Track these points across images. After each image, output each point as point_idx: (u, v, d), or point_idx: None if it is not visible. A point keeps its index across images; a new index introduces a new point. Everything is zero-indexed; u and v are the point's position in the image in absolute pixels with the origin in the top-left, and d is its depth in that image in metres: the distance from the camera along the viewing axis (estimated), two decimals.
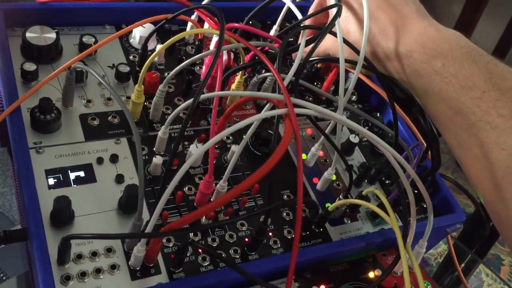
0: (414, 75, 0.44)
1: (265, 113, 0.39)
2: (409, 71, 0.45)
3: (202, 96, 0.42)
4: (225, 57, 0.54)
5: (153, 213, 0.37)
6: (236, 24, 0.53)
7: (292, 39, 0.48)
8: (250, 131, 0.41)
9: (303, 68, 0.56)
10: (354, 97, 0.64)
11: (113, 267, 0.41)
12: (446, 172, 1.50)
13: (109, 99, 0.51)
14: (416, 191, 0.47)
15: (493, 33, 1.84)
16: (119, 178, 0.46)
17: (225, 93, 0.47)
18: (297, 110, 0.39)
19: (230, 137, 0.53)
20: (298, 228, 0.37)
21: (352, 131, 0.57)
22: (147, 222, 0.38)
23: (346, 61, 0.48)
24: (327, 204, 0.50)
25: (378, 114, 0.62)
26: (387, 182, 0.56)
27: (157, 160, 0.47)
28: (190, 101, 0.41)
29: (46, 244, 0.40)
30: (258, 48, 0.48)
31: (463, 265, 0.87)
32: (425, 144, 0.52)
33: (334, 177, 0.54)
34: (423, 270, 0.50)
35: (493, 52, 1.89)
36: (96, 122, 0.49)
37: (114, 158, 0.48)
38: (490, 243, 0.86)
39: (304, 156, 0.55)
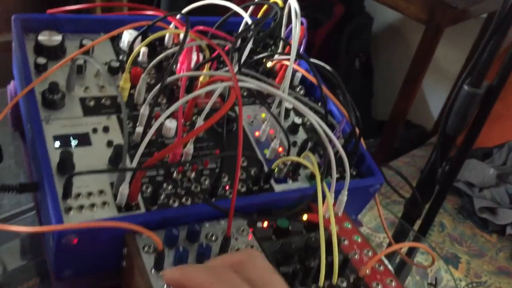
0: None
1: (216, 85, 0.54)
2: None
3: (169, 79, 0.56)
4: (195, 57, 0.70)
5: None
6: (200, 27, 0.68)
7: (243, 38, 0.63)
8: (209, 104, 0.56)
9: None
10: (302, 91, 0.79)
11: (104, 203, 0.55)
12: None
13: (102, 86, 0.66)
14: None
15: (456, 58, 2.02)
16: (110, 143, 0.60)
17: (187, 74, 0.62)
18: (241, 84, 0.54)
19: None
20: (238, 171, 0.51)
21: (297, 113, 0.72)
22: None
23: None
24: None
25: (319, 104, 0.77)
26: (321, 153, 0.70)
27: (139, 129, 0.61)
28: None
29: (55, 186, 0.54)
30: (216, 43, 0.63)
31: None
32: (347, 119, 0.66)
33: (281, 149, 0.68)
34: (345, 213, 0.63)
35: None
36: (92, 103, 0.64)
37: (106, 129, 0.62)
38: (428, 224, 0.99)
39: (257, 133, 0.69)
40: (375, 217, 1.60)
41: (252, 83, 0.54)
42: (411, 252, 0.96)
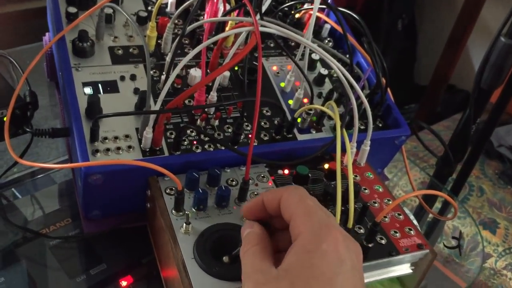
0: None
1: (236, 29, 0.54)
2: None
3: (192, 26, 0.57)
4: (221, 7, 0.70)
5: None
6: None
7: None
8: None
9: None
10: (330, 44, 0.78)
11: (129, 147, 0.57)
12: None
13: (131, 36, 0.67)
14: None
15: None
16: (136, 90, 0.62)
17: (208, 20, 0.62)
18: (262, 29, 0.53)
19: None
20: (256, 116, 0.51)
21: (324, 64, 0.71)
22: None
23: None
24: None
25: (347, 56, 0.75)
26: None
27: (163, 77, 0.62)
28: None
29: (83, 128, 0.56)
30: None
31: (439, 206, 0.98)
32: (372, 68, 0.65)
33: (305, 100, 0.68)
34: (368, 164, 0.63)
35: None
36: (120, 52, 0.65)
37: (133, 77, 0.63)
38: (461, 184, 0.97)
39: (282, 84, 0.69)
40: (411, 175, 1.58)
41: (273, 28, 0.54)
42: (443, 211, 0.95)
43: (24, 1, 1.12)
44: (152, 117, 0.55)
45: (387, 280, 0.58)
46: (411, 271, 0.56)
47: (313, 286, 0.38)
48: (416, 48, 2.27)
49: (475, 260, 1.38)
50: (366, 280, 0.53)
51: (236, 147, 0.61)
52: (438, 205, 1.02)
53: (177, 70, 0.54)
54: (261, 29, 0.54)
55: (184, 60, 0.54)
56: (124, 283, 0.58)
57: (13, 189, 0.74)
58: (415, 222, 0.74)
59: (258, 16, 0.56)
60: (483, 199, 1.50)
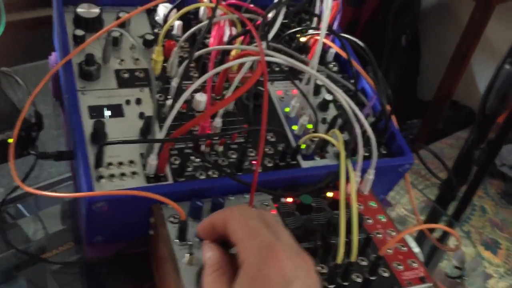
0: None
1: (245, 59, 0.54)
2: None
3: (199, 52, 0.57)
4: (228, 31, 0.70)
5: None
6: (233, 1, 0.68)
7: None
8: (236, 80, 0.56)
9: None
10: (335, 68, 0.78)
11: (134, 173, 0.57)
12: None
13: (137, 59, 0.67)
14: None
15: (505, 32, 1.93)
16: (141, 115, 0.62)
17: (215, 48, 0.62)
18: (268, 58, 0.54)
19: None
20: (261, 146, 0.51)
21: (328, 90, 0.71)
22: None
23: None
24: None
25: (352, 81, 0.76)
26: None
27: (169, 102, 0.62)
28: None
29: (87, 154, 0.56)
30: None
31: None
32: (376, 97, 0.65)
33: (310, 126, 0.68)
34: (372, 192, 0.63)
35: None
36: (126, 75, 0.65)
37: (138, 101, 0.63)
38: (462, 208, 0.97)
39: (287, 109, 0.69)
40: (414, 198, 1.58)
41: (279, 58, 0.54)
42: (444, 237, 0.95)
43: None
44: (157, 144, 0.56)
45: None
46: None
47: None
48: (420, 64, 2.27)
49: (476, 281, 1.38)
50: None
51: (240, 173, 0.61)
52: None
53: (181, 100, 0.54)
54: (267, 58, 0.54)
55: (190, 90, 0.55)
56: None
57: (18, 205, 0.74)
58: (417, 249, 0.74)
59: (264, 45, 0.57)
60: (484, 219, 1.50)
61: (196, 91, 0.66)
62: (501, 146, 0.86)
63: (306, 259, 0.41)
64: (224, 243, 0.46)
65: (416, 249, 0.73)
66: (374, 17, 2.05)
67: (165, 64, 0.67)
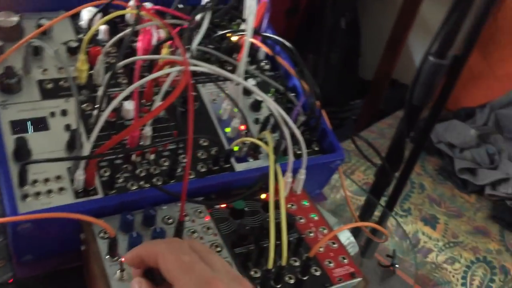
0: None
1: (166, 70, 0.53)
2: None
3: (123, 62, 0.56)
4: (156, 35, 0.69)
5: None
6: (158, 7, 0.67)
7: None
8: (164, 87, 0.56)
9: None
10: (267, 66, 0.78)
11: (61, 189, 0.56)
12: None
13: (61, 68, 0.65)
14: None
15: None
16: (67, 127, 0.60)
17: (137, 58, 0.61)
18: (193, 68, 0.53)
19: None
20: (189, 156, 0.51)
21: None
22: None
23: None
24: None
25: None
26: None
27: (96, 112, 0.61)
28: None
29: (9, 173, 0.55)
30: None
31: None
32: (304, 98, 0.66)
33: (243, 127, 0.68)
34: (304, 191, 0.64)
35: None
36: (50, 86, 0.63)
37: (64, 112, 0.62)
38: (396, 195, 1.00)
39: (220, 111, 0.69)
40: (357, 181, 1.62)
41: (204, 67, 0.54)
42: (382, 220, 0.98)
43: None
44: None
45: None
46: None
47: None
48: (360, 45, 2.31)
49: (417, 256, 1.45)
50: None
51: (173, 180, 0.61)
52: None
53: (107, 112, 0.53)
54: (192, 68, 0.54)
55: (116, 101, 0.54)
56: None
57: None
58: (351, 239, 0.76)
59: (188, 55, 0.56)
60: (423, 196, 1.56)
61: (126, 98, 0.65)
62: (427, 135, 0.89)
63: (244, 283, 0.41)
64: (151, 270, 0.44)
65: (351, 239, 0.76)
66: (313, 1, 2.06)
67: (92, 72, 0.66)
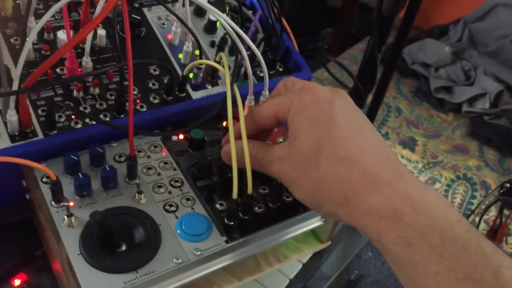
0: (401, 243, 0.37)
1: None
2: (394, 237, 0.37)
3: None
4: None
5: None
6: None
7: None
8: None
9: None
10: None
11: None
12: None
13: None
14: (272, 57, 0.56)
15: None
16: None
17: None
18: None
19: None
20: (131, 86, 0.45)
21: None
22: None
23: None
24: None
25: None
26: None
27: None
28: None
29: None
30: None
31: None
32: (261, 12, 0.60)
33: (197, 52, 0.61)
34: None
35: None
36: None
37: None
38: (372, 117, 0.96)
39: (169, 36, 0.62)
40: None
41: None
42: None
43: None
44: (13, 98, 0.48)
45: (301, 235, 0.56)
46: (322, 222, 0.54)
47: (318, 129, 0.41)
48: None
49: None
50: (280, 239, 0.51)
51: (123, 115, 0.55)
52: None
53: (32, 37, 0.46)
54: None
55: (40, 23, 0.46)
56: (17, 282, 0.53)
57: None
58: None
59: None
60: (401, 119, 1.52)
61: (60, 29, 0.58)
62: (401, 49, 0.83)
63: (340, 91, 0.45)
64: None
65: None
66: None
67: (18, 1, 0.58)
